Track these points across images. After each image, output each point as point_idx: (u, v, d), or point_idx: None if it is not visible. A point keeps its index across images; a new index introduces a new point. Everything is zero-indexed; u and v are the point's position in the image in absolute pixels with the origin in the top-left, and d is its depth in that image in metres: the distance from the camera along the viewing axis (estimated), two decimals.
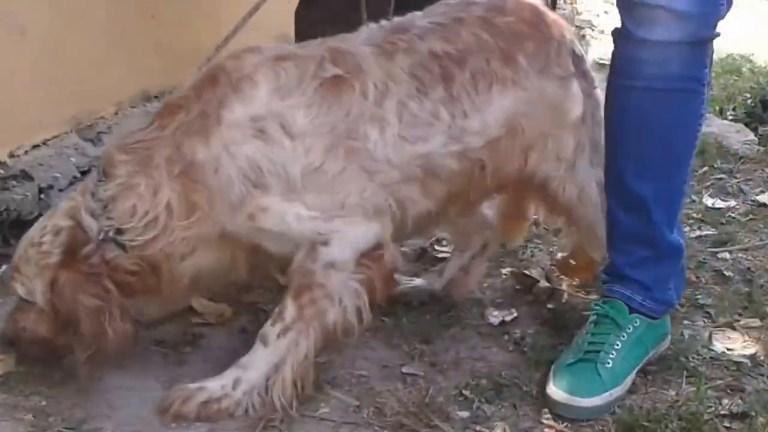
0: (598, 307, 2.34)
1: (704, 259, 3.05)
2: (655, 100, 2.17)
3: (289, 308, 2.06)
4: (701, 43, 2.15)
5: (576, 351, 2.26)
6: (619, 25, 2.19)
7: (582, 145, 2.40)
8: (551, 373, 2.23)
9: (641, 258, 2.30)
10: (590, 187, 2.43)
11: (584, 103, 2.40)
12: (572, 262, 2.81)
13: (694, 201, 3.60)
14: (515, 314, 2.60)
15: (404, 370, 2.31)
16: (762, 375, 2.37)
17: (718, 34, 2.18)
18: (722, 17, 2.16)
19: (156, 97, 3.12)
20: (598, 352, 2.23)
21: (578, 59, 2.40)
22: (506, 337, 2.50)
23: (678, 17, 2.07)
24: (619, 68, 2.23)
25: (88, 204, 2.02)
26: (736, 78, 5.52)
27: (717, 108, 4.65)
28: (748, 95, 4.79)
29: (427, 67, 2.13)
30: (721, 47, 6.53)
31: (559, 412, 2.15)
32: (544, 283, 2.76)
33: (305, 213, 2.02)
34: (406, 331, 2.48)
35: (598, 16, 7.65)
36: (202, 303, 2.50)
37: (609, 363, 2.21)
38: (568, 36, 2.39)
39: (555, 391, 2.16)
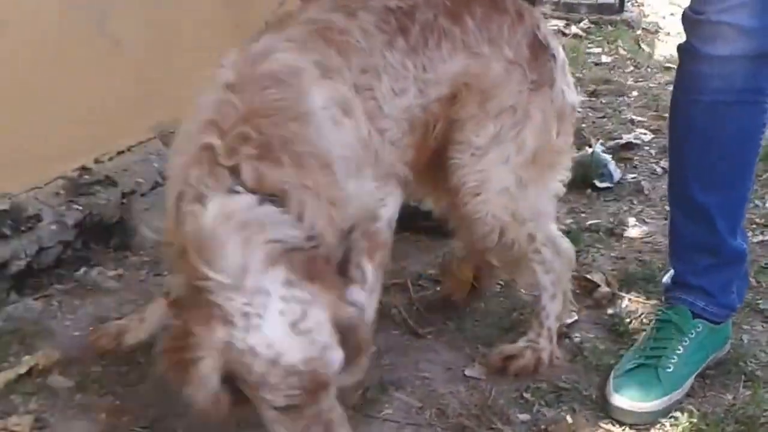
0: (661, 313, 2.39)
1: (766, 263, 3.06)
2: (719, 113, 2.21)
3: (368, 270, 2.08)
4: (764, 56, 2.18)
5: (638, 356, 2.31)
6: (683, 40, 2.24)
7: (500, 139, 2.23)
8: (611, 378, 2.28)
9: (705, 266, 2.34)
10: (491, 185, 2.23)
11: (522, 97, 2.22)
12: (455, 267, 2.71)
13: (757, 206, 3.60)
14: (575, 318, 2.65)
15: (467, 372, 2.37)
16: None
17: None
18: None
19: None
20: (660, 357, 2.27)
21: (541, 49, 2.28)
22: (567, 340, 2.54)
23: (742, 32, 2.11)
24: (684, 83, 2.28)
25: None
26: None
27: None
28: None
29: (387, 21, 2.10)
30: None
31: (619, 418, 2.20)
32: (604, 288, 2.81)
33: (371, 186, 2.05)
34: (468, 335, 2.54)
35: (664, 18, 7.59)
36: None
37: (670, 368, 2.26)
38: (531, 20, 2.27)
39: (615, 396, 2.21)
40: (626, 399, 2.18)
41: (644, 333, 2.41)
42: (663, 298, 2.49)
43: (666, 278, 2.49)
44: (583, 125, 4.34)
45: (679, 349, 2.29)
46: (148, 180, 2.89)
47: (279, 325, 1.64)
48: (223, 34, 2.91)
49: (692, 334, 2.32)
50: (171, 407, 2.14)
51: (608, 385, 2.26)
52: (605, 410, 2.23)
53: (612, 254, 3.14)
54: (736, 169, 2.30)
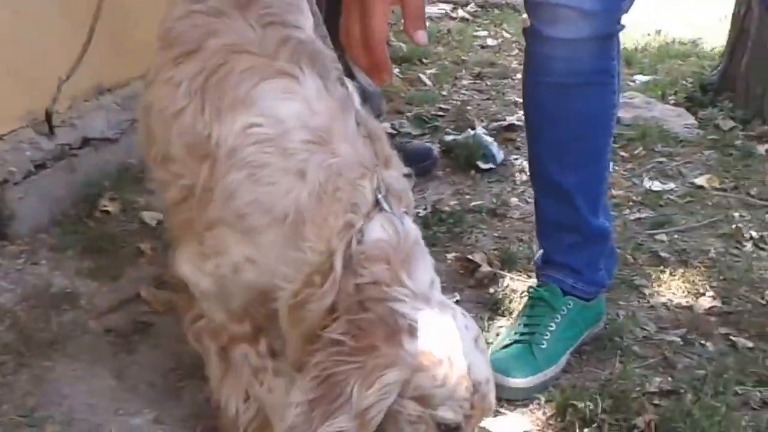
0: (533, 291, 2.43)
1: (642, 241, 3.15)
2: (567, 94, 2.23)
3: None
4: (607, 37, 2.21)
5: (513, 332, 2.35)
6: (528, 24, 2.24)
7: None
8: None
9: (569, 244, 2.39)
10: None
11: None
12: None
13: (635, 184, 3.70)
14: (458, 298, 2.68)
15: None
16: (693, 353, 2.48)
17: (623, 27, 2.24)
18: (626, 11, 2.22)
19: (109, 90, 3.14)
20: (533, 333, 2.32)
21: None
22: None
23: (583, 15, 2.11)
24: (531, 65, 2.30)
25: None
26: (680, 63, 5.62)
27: (659, 93, 4.73)
28: (690, 80, 4.87)
29: None
30: (668, 32, 6.66)
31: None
32: (486, 268, 2.85)
33: None
34: None
35: None
36: (150, 291, 2.55)
37: (543, 344, 2.30)
38: None
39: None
40: (501, 375, 2.20)
41: (519, 311, 2.45)
42: (535, 276, 2.54)
43: (537, 257, 2.54)
44: (468, 107, 4.39)
45: (552, 326, 2.34)
46: (21, 169, 2.79)
47: (467, 340, 1.60)
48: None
49: (564, 310, 2.37)
50: (49, 396, 2.14)
51: None
52: None
53: (495, 234, 3.18)
54: (590, 149, 2.34)
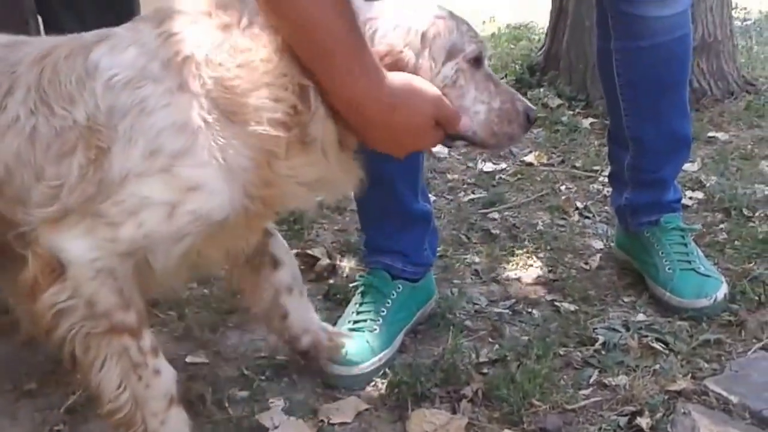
0: (363, 278, 2.52)
1: (474, 220, 3.29)
2: None
3: None
4: None
5: (347, 321, 2.43)
6: None
7: None
8: None
9: (393, 229, 2.49)
10: None
11: None
12: None
13: (469, 167, 3.85)
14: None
15: (188, 360, 2.41)
16: (521, 322, 2.60)
17: None
18: None
19: None
20: (366, 320, 2.40)
21: None
22: None
23: None
24: None
25: None
26: (512, 46, 5.84)
27: None
28: (520, 62, 5.06)
29: None
30: (501, 18, 6.89)
31: (334, 383, 2.30)
32: (325, 260, 2.93)
33: None
34: (191, 322, 2.58)
35: None
36: None
37: (377, 329, 2.39)
38: None
39: (327, 363, 2.31)
40: (338, 365, 2.28)
41: (352, 299, 2.53)
42: (364, 264, 2.62)
43: (362, 244, 2.63)
44: None
45: (383, 311, 2.43)
46: None
47: None
48: None
49: (393, 294, 2.46)
50: None
51: None
52: (321, 377, 2.33)
53: (335, 227, 3.27)
54: None
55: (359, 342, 2.35)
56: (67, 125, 1.78)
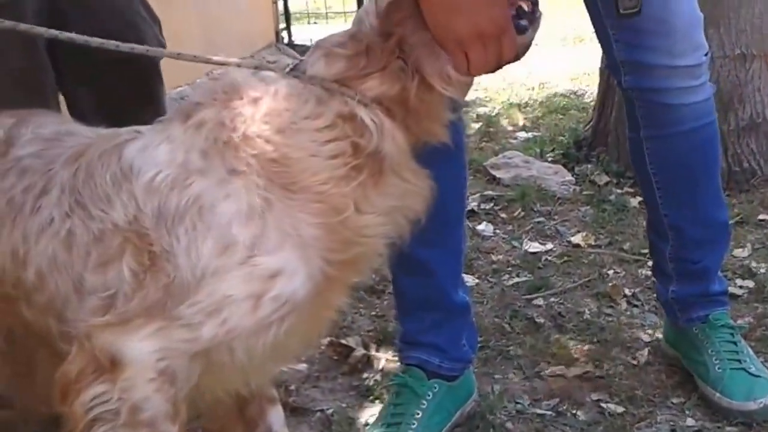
0: (397, 378, 2.42)
1: (518, 307, 3.17)
2: None
3: None
4: None
5: (379, 425, 2.33)
6: None
7: None
8: None
9: (431, 322, 2.39)
10: None
11: None
12: None
13: (514, 247, 3.74)
14: (330, 387, 2.65)
15: None
16: (565, 425, 2.47)
17: None
18: None
19: None
20: (399, 424, 2.30)
21: None
22: (318, 413, 2.54)
23: None
24: None
25: None
26: (561, 117, 5.74)
27: (538, 150, 4.82)
28: (568, 135, 4.98)
29: None
30: (554, 84, 6.79)
31: None
32: (360, 351, 2.83)
33: None
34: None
35: None
36: None
37: None
38: None
39: None
40: None
41: (387, 398, 2.43)
42: (398, 360, 2.52)
43: (399, 338, 2.53)
44: None
45: (418, 413, 2.33)
46: None
47: None
48: None
49: (429, 395, 2.36)
50: None
51: None
52: None
53: (372, 313, 3.17)
54: (450, 222, 2.37)
55: None
56: (108, 229, 1.69)
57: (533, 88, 6.69)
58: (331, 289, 1.75)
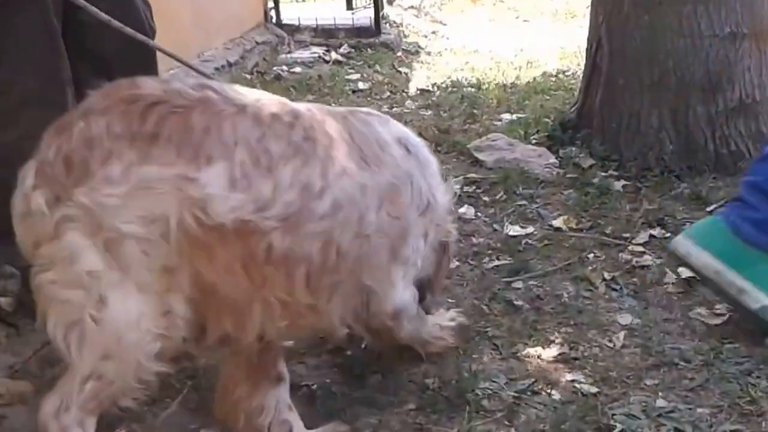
0: None
1: (498, 289, 3.24)
2: None
3: None
4: None
5: None
6: None
7: None
8: None
9: None
10: None
11: None
12: None
13: (496, 230, 3.80)
14: (315, 363, 2.74)
15: None
16: (539, 403, 2.56)
17: None
18: None
19: None
20: None
21: None
22: (304, 390, 2.63)
23: None
24: None
25: None
26: (548, 98, 5.76)
27: (522, 132, 4.86)
28: (552, 117, 4.99)
29: None
30: (538, 65, 6.81)
31: None
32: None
33: None
34: (206, 394, 2.57)
35: (426, 37, 7.87)
36: (2, 383, 2.53)
37: None
38: None
39: None
40: None
41: None
42: None
43: None
44: None
45: None
46: None
47: None
48: None
49: None
50: None
51: None
52: None
53: None
54: None
55: None
56: None
57: (520, 68, 6.71)
58: None
